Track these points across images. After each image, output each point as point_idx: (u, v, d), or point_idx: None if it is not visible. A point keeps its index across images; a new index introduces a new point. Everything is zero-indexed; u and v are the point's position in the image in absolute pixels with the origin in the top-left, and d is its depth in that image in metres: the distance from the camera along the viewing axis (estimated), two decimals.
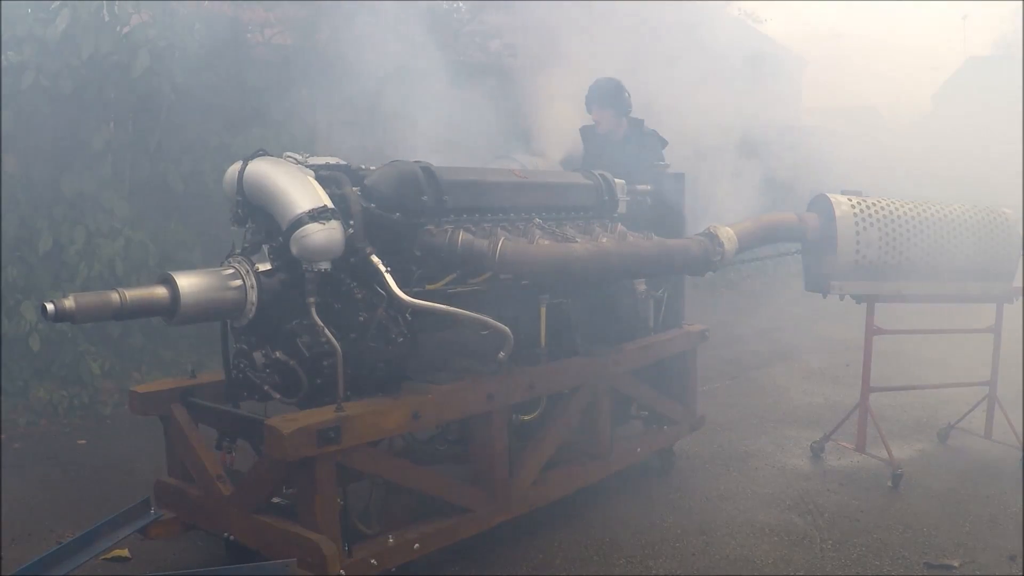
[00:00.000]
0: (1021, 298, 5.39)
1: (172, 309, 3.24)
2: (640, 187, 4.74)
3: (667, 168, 4.96)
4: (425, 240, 3.63)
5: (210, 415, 3.64)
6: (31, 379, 5.94)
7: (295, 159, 3.55)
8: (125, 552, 3.83)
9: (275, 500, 3.48)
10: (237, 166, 3.52)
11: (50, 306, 2.96)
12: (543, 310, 4.04)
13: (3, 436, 5.46)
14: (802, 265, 5.31)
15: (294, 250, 3.32)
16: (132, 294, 3.16)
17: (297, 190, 3.37)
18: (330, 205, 3.36)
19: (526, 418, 4.07)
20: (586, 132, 5.28)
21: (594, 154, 5.16)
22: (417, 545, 3.47)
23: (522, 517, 3.99)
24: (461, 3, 9.60)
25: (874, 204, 5.00)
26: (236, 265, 3.41)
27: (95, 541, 3.34)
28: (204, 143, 6.68)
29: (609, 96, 5.07)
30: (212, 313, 3.39)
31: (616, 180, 4.53)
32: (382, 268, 3.41)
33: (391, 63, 4.81)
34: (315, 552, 3.08)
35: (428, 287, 3.63)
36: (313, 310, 3.31)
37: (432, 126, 4.71)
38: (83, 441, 5.56)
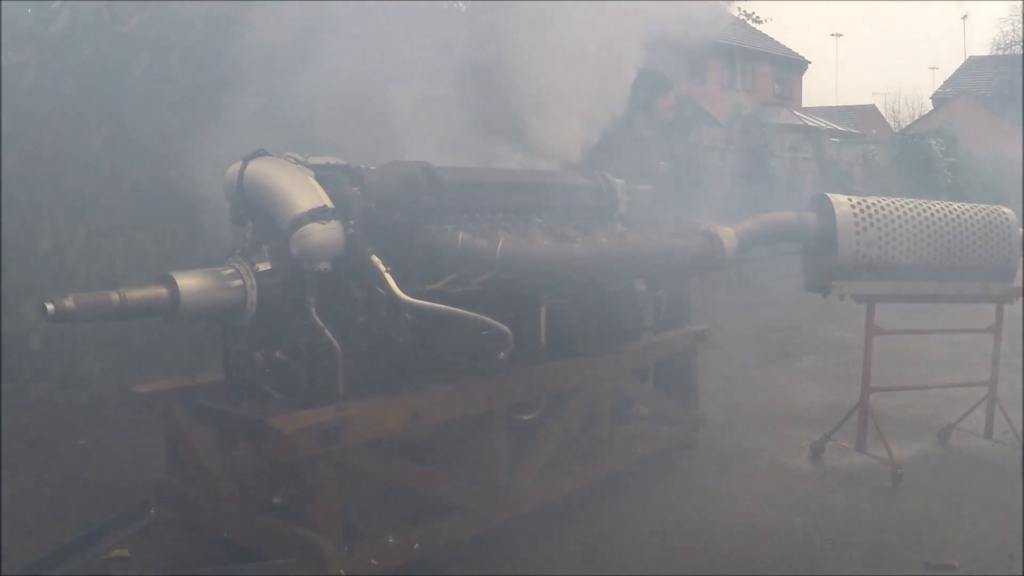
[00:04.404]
0: (1021, 298, 5.39)
1: (172, 309, 3.23)
2: (640, 187, 4.73)
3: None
4: (425, 240, 3.63)
5: (210, 415, 3.64)
6: (31, 379, 5.93)
7: (295, 159, 3.55)
8: (125, 552, 3.83)
9: (275, 500, 3.48)
10: (237, 166, 3.52)
11: (50, 306, 2.96)
12: (543, 310, 4.04)
13: (3, 436, 5.46)
14: (802, 265, 5.31)
15: (294, 250, 3.32)
16: (132, 294, 3.16)
17: (297, 190, 3.37)
18: (330, 205, 3.36)
19: (526, 418, 4.07)
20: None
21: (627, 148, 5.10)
22: (417, 545, 3.47)
23: (522, 517, 3.98)
24: (461, 3, 9.57)
25: (874, 204, 5.00)
26: (236, 265, 3.41)
27: (95, 541, 3.33)
28: (203, 143, 6.67)
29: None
30: (212, 313, 3.39)
31: (616, 180, 4.52)
32: (382, 268, 3.40)
33: (391, 63, 4.80)
34: (315, 552, 3.08)
35: (428, 287, 3.63)
36: (313, 310, 3.31)
37: (431, 127, 4.70)
38: (83, 441, 5.55)
